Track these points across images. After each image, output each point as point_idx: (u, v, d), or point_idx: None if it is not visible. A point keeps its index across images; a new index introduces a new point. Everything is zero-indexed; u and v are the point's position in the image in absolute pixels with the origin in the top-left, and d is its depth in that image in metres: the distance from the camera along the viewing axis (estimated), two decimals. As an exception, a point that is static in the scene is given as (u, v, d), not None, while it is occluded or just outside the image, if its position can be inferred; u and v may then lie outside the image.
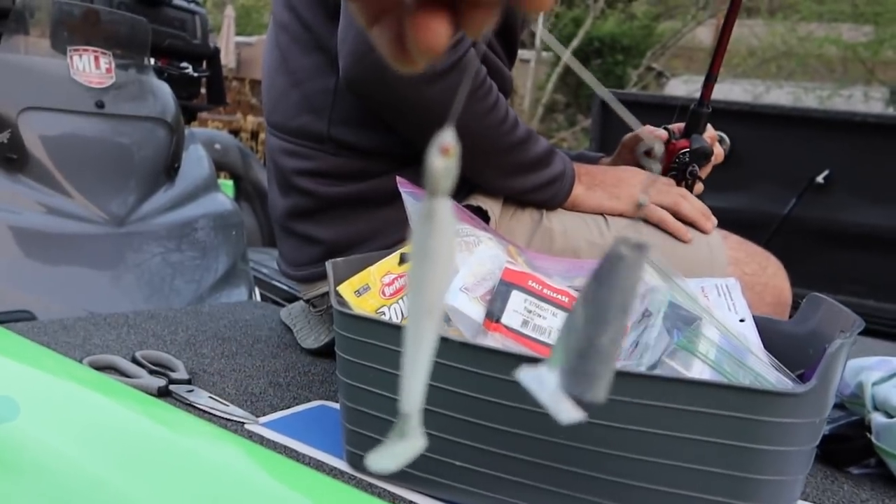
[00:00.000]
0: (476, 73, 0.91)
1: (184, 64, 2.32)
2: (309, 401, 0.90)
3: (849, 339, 0.62)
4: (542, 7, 0.27)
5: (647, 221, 1.01)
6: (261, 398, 0.89)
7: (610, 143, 1.85)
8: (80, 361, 0.94)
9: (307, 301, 1.13)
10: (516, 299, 0.69)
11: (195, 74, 2.35)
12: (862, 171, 2.11)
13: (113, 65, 1.61)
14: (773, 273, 1.04)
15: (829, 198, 2.13)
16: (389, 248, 0.84)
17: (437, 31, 0.27)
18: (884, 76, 10.47)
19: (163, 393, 0.87)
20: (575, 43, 9.90)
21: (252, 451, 0.67)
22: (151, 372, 0.92)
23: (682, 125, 1.11)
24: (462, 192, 1.01)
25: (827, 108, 6.20)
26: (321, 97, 1.00)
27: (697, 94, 1.10)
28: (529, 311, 0.69)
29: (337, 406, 0.80)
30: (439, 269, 0.27)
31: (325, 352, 1.08)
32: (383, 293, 0.76)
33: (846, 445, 0.85)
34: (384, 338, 0.65)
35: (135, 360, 0.95)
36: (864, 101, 9.94)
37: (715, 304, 0.79)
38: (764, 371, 0.69)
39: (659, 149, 1.02)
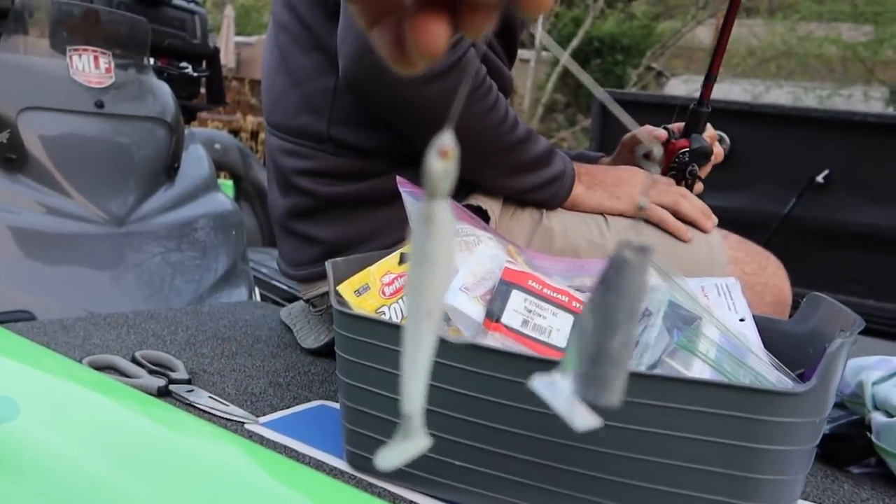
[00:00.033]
0: (476, 73, 0.91)
1: (183, 64, 2.32)
2: (309, 401, 0.90)
3: (849, 339, 0.62)
4: (540, 9, 0.27)
5: (647, 221, 1.01)
6: (261, 398, 0.89)
7: (610, 142, 1.85)
8: (80, 361, 0.93)
9: (307, 301, 1.13)
10: (516, 299, 0.69)
11: (195, 74, 2.35)
12: (862, 171, 2.11)
13: (112, 65, 1.61)
14: (773, 272, 1.04)
15: (829, 197, 2.13)
16: (389, 247, 0.84)
17: (436, 34, 0.27)
18: (883, 76, 10.47)
19: (163, 393, 0.87)
20: (574, 43, 9.90)
21: (252, 451, 0.66)
22: (151, 372, 0.92)
23: (681, 125, 1.11)
24: (462, 191, 1.01)
25: (827, 108, 6.20)
26: (321, 97, 1.00)
27: (697, 94, 1.10)
28: (529, 311, 0.69)
29: (337, 406, 0.80)
30: (438, 271, 0.27)
31: (325, 351, 1.08)
32: (383, 293, 0.76)
33: (846, 445, 0.85)
34: (384, 337, 0.65)
35: (135, 360, 0.95)
36: (863, 100, 9.94)
37: (715, 304, 0.79)
38: (764, 370, 0.69)
39: (658, 151, 1.02)
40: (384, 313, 0.75)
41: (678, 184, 1.08)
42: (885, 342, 1.53)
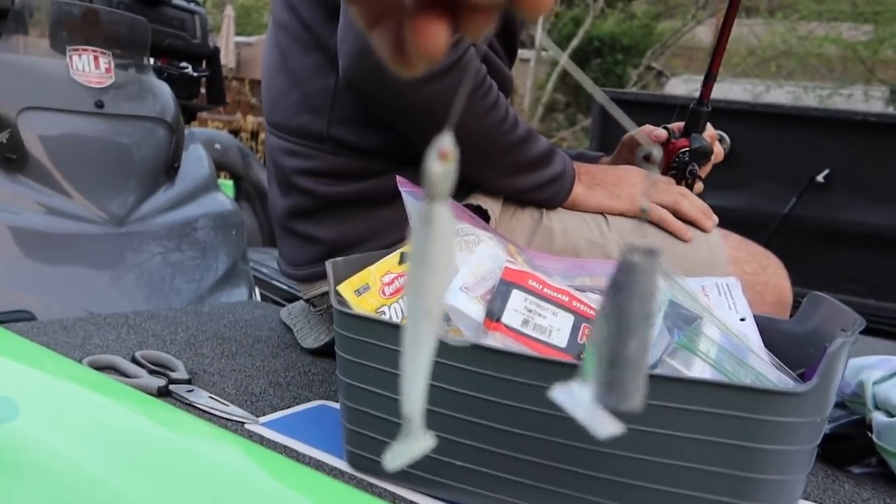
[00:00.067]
0: (476, 73, 0.91)
1: (183, 64, 2.31)
2: (309, 400, 0.90)
3: (850, 338, 0.61)
4: (540, 11, 0.27)
5: (647, 221, 1.01)
6: (261, 398, 0.89)
7: (610, 142, 1.85)
8: (80, 361, 0.93)
9: (307, 301, 1.13)
10: (516, 298, 0.69)
11: (195, 74, 2.35)
12: (862, 171, 2.11)
13: (112, 64, 1.60)
14: (773, 272, 1.04)
15: (830, 197, 2.13)
16: (389, 247, 0.84)
17: (436, 35, 0.27)
18: (884, 75, 10.47)
19: (163, 393, 0.87)
20: (575, 42, 9.90)
21: (252, 451, 0.66)
22: (151, 372, 0.92)
23: (681, 124, 1.11)
24: (462, 191, 1.01)
25: (827, 108, 6.20)
26: (321, 96, 1.00)
27: (697, 94, 1.10)
28: (530, 311, 0.69)
29: (337, 406, 0.80)
30: (438, 273, 0.27)
31: (326, 351, 1.08)
32: (383, 293, 0.76)
33: (847, 444, 0.85)
34: (384, 337, 0.65)
35: (135, 360, 0.95)
36: (864, 100, 9.94)
37: (715, 303, 0.79)
38: (765, 370, 0.68)
39: (658, 154, 1.02)
40: (384, 313, 0.75)
41: (678, 183, 1.08)
42: (886, 342, 1.53)
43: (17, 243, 1.41)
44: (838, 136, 2.13)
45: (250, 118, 6.49)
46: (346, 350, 0.69)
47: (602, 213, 1.03)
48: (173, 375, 0.91)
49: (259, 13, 13.51)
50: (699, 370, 0.65)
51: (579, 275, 0.81)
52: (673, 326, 0.69)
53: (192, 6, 2.38)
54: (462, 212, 0.84)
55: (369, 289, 0.76)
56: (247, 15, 13.38)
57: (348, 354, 0.68)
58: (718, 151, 1.13)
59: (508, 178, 0.99)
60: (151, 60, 1.82)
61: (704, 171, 1.11)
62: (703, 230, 1.03)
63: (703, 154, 1.09)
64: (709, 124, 1.11)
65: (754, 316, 0.80)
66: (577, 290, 0.73)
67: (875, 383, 0.83)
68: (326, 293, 1.03)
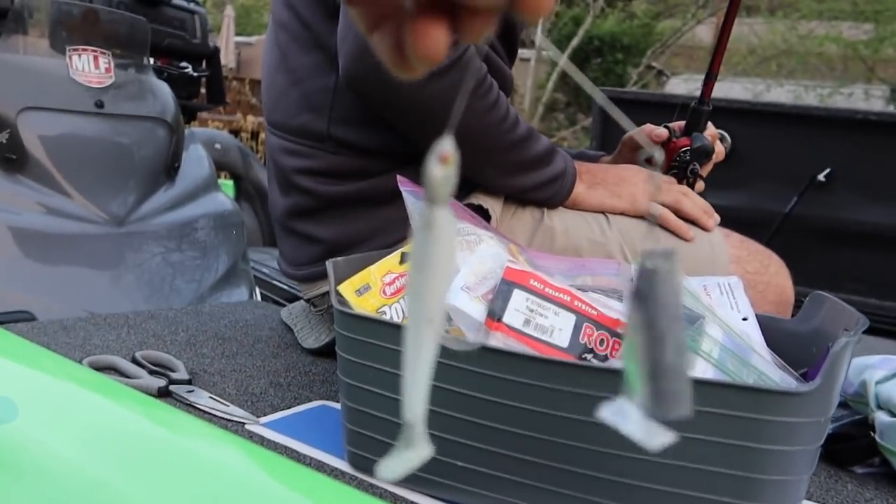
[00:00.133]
0: (477, 71, 0.91)
1: (183, 63, 2.31)
2: (310, 401, 0.90)
3: (854, 338, 0.61)
4: (540, 13, 0.27)
5: (647, 219, 1.01)
6: (261, 398, 0.89)
7: (611, 141, 1.85)
8: (80, 362, 0.93)
9: (308, 301, 1.13)
10: (518, 298, 0.69)
11: (195, 74, 2.35)
12: (863, 170, 2.11)
13: (112, 64, 1.60)
14: (775, 271, 1.03)
15: (831, 196, 2.13)
16: (390, 247, 0.84)
17: (436, 38, 0.27)
18: (884, 74, 10.47)
19: (163, 393, 0.86)
20: (575, 42, 9.90)
21: (252, 451, 0.66)
22: (151, 372, 0.91)
23: (682, 123, 1.11)
24: (463, 190, 1.00)
25: (828, 106, 6.20)
26: (321, 96, 1.00)
27: (698, 93, 1.10)
28: (531, 311, 0.68)
29: (338, 406, 0.80)
30: (439, 277, 0.27)
31: (326, 351, 1.08)
32: (384, 292, 0.76)
33: (850, 444, 0.84)
34: (385, 337, 0.65)
35: (135, 361, 0.95)
36: (864, 99, 9.94)
37: (717, 303, 0.79)
38: (768, 370, 0.68)
39: (659, 157, 1.02)
40: (385, 313, 0.75)
41: (680, 182, 1.08)
42: (887, 341, 1.53)
43: (17, 243, 1.41)
44: (839, 135, 2.12)
45: (250, 118, 6.49)
46: (347, 350, 0.68)
47: (603, 213, 1.02)
48: (173, 376, 0.91)
49: (259, 13, 13.51)
50: (702, 370, 0.65)
51: (581, 274, 0.80)
52: (675, 326, 0.69)
53: (192, 6, 2.38)
54: (463, 211, 0.83)
55: (370, 289, 0.76)
56: (247, 15, 13.38)
57: (349, 355, 0.68)
58: (719, 150, 1.13)
59: (509, 177, 0.99)
60: (151, 60, 1.82)
61: (706, 171, 1.11)
62: (704, 229, 1.03)
63: (705, 153, 1.08)
64: (710, 123, 1.11)
65: (756, 315, 0.80)
66: (579, 289, 0.73)
67: (878, 383, 0.82)
68: (327, 293, 1.02)
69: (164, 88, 1.73)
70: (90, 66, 1.57)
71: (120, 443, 0.64)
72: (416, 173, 0.65)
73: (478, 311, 0.69)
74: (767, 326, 0.79)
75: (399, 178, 0.79)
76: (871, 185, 2.10)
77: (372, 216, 1.01)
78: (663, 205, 1.02)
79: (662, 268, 0.29)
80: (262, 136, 5.73)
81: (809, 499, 0.75)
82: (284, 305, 1.34)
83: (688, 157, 1.08)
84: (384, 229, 1.00)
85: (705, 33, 10.53)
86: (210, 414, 0.82)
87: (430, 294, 0.27)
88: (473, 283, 0.70)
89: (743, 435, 0.56)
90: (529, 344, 0.68)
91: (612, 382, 0.58)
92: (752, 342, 0.72)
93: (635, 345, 0.30)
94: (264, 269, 2.16)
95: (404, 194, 0.77)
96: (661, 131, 1.10)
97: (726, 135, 1.23)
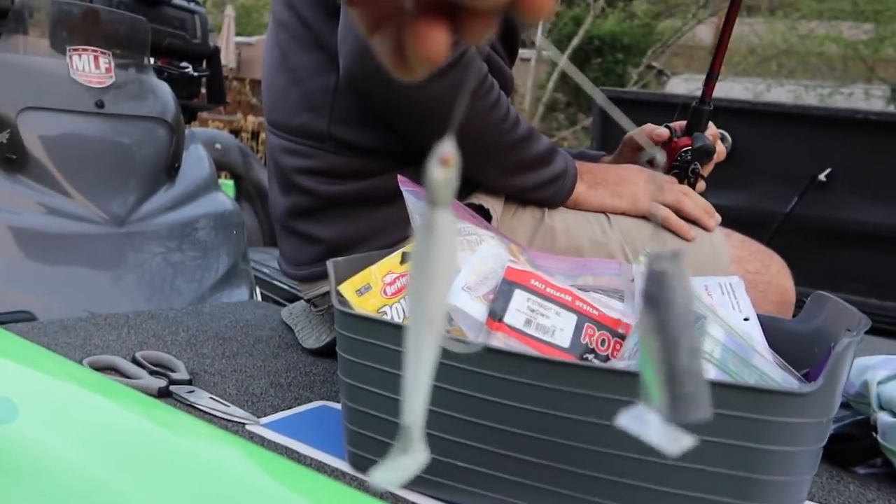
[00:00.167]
0: (477, 71, 0.90)
1: (184, 63, 2.31)
2: (310, 401, 0.90)
3: (856, 339, 0.61)
4: (541, 15, 0.27)
5: (649, 219, 1.01)
6: (262, 399, 0.89)
7: (611, 141, 1.85)
8: (81, 362, 0.93)
9: (308, 301, 1.13)
10: (519, 298, 0.68)
11: (195, 74, 2.35)
12: (864, 169, 2.11)
13: (112, 64, 1.60)
14: (776, 271, 1.03)
15: (832, 196, 2.13)
16: (390, 246, 0.84)
17: (436, 40, 0.27)
18: (884, 74, 10.47)
19: (163, 394, 0.86)
20: (575, 42, 9.90)
21: (253, 452, 0.66)
22: (152, 372, 0.91)
23: (683, 123, 1.10)
24: (464, 190, 1.00)
25: (828, 106, 6.19)
26: (321, 95, 1.00)
27: (698, 93, 1.10)
28: (532, 311, 0.68)
29: (338, 406, 0.80)
30: (440, 280, 0.27)
31: (327, 352, 1.08)
32: (385, 292, 0.76)
33: (852, 445, 0.84)
34: (386, 337, 0.65)
35: (135, 361, 0.94)
36: (864, 98, 9.94)
37: (719, 303, 0.79)
38: (769, 370, 0.68)
39: (661, 158, 1.02)
40: (386, 313, 0.75)
41: (681, 182, 1.08)
42: (888, 341, 1.53)
43: (18, 243, 1.41)
44: (840, 134, 2.12)
45: (251, 118, 6.49)
46: (348, 350, 0.68)
47: (604, 213, 1.02)
48: (174, 376, 0.90)
49: (259, 13, 13.51)
50: (703, 370, 0.65)
51: (582, 274, 0.80)
52: (676, 326, 0.68)
53: (192, 6, 2.38)
54: (464, 211, 0.83)
55: (371, 289, 0.75)
56: (247, 15, 13.38)
57: (349, 355, 0.68)
58: (720, 150, 1.13)
59: (510, 177, 0.99)
60: (151, 60, 1.82)
61: (707, 170, 1.11)
62: (705, 229, 1.02)
63: (706, 153, 1.08)
64: (711, 123, 1.11)
65: (758, 315, 0.79)
66: (580, 289, 0.73)
67: (880, 383, 0.82)
68: (327, 293, 1.02)
69: (164, 88, 1.73)
70: (90, 66, 1.57)
71: (120, 443, 0.64)
72: (416, 173, 0.65)
73: (479, 311, 0.69)
74: (769, 326, 0.79)
75: (400, 177, 0.79)
76: (872, 184, 2.10)
77: (372, 216, 1.00)
78: (664, 205, 1.01)
79: (671, 270, 0.29)
80: (263, 136, 5.73)
81: (811, 499, 0.75)
82: (285, 305, 1.33)
83: (689, 157, 1.08)
84: (385, 229, 1.00)
85: (706, 33, 10.53)
86: (210, 414, 0.82)
87: (431, 296, 0.27)
88: (474, 283, 0.70)
89: (745, 435, 0.56)
90: (530, 344, 0.67)
91: (613, 383, 0.58)
92: (754, 342, 0.72)
93: (650, 350, 0.29)
94: (265, 269, 2.16)
95: (405, 194, 0.77)
96: (662, 131, 1.10)
97: (727, 135, 1.22)
